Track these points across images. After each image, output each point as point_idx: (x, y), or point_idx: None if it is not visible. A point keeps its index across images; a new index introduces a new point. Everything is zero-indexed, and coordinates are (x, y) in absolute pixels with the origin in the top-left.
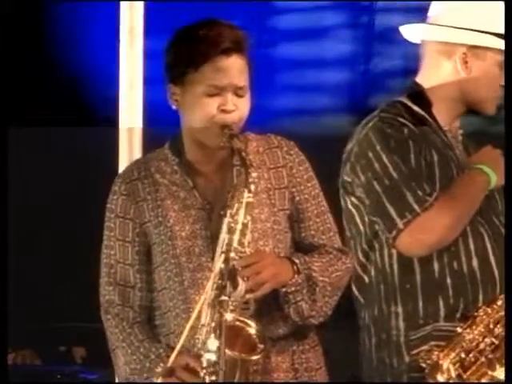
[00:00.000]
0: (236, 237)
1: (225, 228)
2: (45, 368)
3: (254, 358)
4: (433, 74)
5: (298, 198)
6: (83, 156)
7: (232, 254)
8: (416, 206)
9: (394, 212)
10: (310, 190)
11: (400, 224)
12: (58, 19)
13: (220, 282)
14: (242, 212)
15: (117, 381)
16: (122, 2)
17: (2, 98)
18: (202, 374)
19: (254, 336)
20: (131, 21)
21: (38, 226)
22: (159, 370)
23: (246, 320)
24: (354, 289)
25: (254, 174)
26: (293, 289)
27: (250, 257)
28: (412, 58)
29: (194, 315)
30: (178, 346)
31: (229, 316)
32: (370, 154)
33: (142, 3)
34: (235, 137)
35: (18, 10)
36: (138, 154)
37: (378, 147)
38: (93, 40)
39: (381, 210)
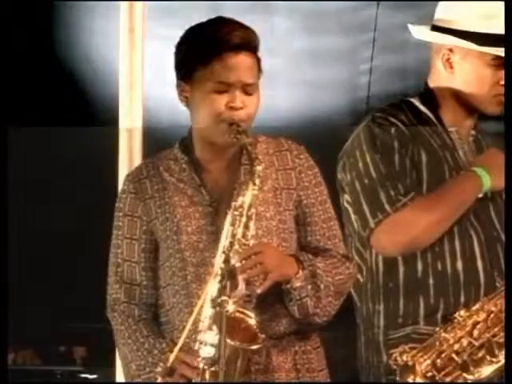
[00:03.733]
0: (240, 229)
1: (229, 220)
2: (45, 368)
3: (255, 347)
4: (433, 74)
5: (305, 202)
6: (83, 156)
7: (236, 247)
8: (387, 206)
9: (367, 211)
10: (317, 195)
11: (371, 223)
12: (58, 19)
13: (220, 281)
14: (246, 205)
15: (118, 380)
16: (121, 2)
17: (1, 98)
18: (201, 366)
19: (255, 326)
20: (131, 21)
21: (37, 225)
22: (159, 369)
23: (246, 311)
24: (351, 288)
25: (260, 168)
26: (298, 285)
27: (252, 247)
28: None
29: (195, 312)
30: (179, 344)
31: (230, 307)
32: (357, 153)
33: (141, 3)
34: (242, 133)
35: (18, 11)
36: (138, 153)
37: (364, 147)
38: (93, 40)
39: (358, 208)
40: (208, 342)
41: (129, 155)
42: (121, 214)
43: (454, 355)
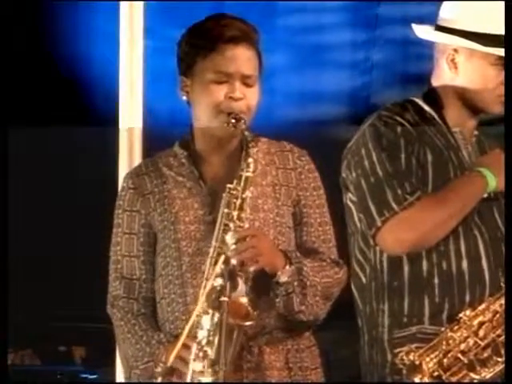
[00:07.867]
0: (235, 212)
1: (224, 202)
2: (45, 368)
3: (248, 323)
4: (436, 74)
5: (303, 202)
6: (83, 156)
7: (231, 228)
8: (394, 205)
9: (374, 210)
10: (315, 198)
11: (378, 222)
12: (58, 19)
13: (220, 281)
14: (240, 187)
15: (117, 379)
16: (121, 2)
17: (1, 98)
18: (194, 348)
19: (246, 304)
20: (131, 21)
21: (37, 225)
22: (159, 369)
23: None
24: (352, 287)
25: (254, 150)
26: (284, 279)
27: (246, 230)
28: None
29: (198, 306)
30: (180, 341)
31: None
32: (363, 152)
33: (141, 3)
34: (240, 120)
35: (18, 10)
36: (138, 153)
37: (370, 145)
38: (93, 39)
39: (364, 207)
40: (203, 327)
41: (129, 155)
42: (120, 211)
43: (460, 355)
